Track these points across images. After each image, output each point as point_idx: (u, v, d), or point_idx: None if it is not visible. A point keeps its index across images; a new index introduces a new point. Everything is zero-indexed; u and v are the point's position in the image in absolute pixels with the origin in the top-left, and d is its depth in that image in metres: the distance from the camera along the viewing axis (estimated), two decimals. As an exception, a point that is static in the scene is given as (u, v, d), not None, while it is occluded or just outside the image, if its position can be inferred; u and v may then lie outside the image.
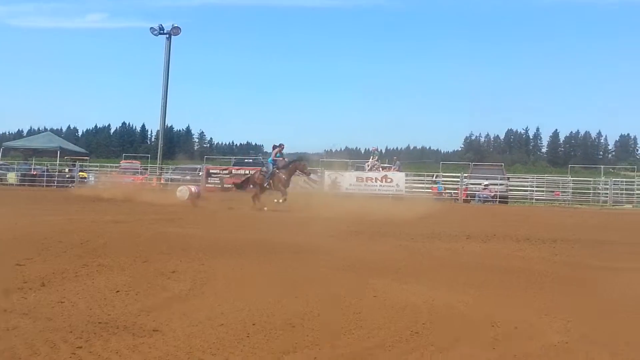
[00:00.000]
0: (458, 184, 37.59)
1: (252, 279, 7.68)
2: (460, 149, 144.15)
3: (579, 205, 36.28)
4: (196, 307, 6.04)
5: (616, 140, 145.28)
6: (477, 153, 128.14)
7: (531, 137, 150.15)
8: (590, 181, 40.00)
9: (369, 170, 37.56)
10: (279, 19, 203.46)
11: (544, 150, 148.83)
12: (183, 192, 27.67)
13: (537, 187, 38.85)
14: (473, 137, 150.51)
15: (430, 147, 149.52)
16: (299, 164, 24.06)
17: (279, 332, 5.22)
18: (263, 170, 24.20)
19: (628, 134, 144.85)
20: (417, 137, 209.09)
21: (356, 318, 5.77)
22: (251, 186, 24.22)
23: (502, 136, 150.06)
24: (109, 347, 4.65)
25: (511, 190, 38.32)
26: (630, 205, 36.35)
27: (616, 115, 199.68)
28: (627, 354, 4.85)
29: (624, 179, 44.96)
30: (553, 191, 39.43)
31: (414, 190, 37.68)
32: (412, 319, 5.80)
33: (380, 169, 38.34)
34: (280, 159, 24.05)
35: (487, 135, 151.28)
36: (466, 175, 38.41)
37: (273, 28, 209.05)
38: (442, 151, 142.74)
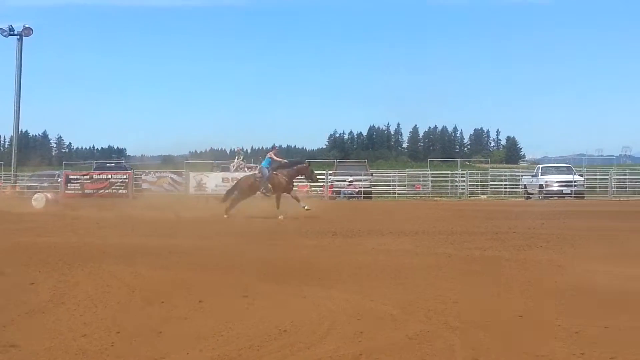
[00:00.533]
0: (324, 181, 38.11)
1: (116, 286, 7.47)
2: (325, 147, 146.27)
3: (438, 197, 37.74)
4: (57, 318, 5.81)
5: (471, 134, 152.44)
6: (341, 150, 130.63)
7: (392, 133, 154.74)
8: (448, 174, 41.73)
9: (234, 170, 37.35)
10: (136, 18, 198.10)
11: (404, 145, 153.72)
12: (39, 200, 26.56)
13: (399, 181, 40.09)
14: (337, 135, 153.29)
15: (295, 146, 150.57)
16: (303, 167, 21.54)
17: (145, 340, 5.12)
18: (257, 176, 21.40)
19: (481, 128, 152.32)
20: (282, 136, 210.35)
21: (224, 319, 5.75)
22: (235, 192, 21.27)
23: (364, 133, 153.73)
24: (-39, 366, 4.41)
25: (375, 185, 39.27)
26: (484, 196, 38.20)
27: (470, 110, 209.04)
28: (482, 339, 5.09)
29: (479, 171, 47.28)
30: (414, 185, 40.81)
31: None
32: (280, 317, 5.84)
33: (246, 169, 38.26)
34: (279, 159, 21.78)
35: (351, 132, 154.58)
36: (331, 172, 39.00)
37: (130, 28, 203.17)
38: (308, 149, 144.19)
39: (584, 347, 4.79)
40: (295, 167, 21.19)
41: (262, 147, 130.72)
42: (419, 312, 6.05)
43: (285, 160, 22.01)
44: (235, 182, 23.40)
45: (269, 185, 20.72)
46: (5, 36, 43.68)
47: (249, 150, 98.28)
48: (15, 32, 43.79)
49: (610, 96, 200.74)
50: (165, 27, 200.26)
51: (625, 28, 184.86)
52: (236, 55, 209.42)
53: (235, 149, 44.13)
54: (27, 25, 44.18)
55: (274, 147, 23.16)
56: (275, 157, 21.59)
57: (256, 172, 21.95)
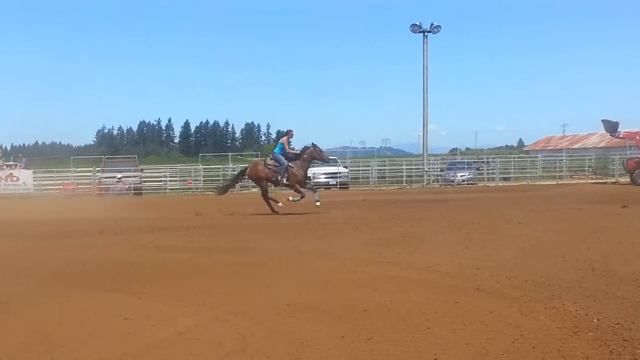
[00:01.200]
0: (91, 179, 36.64)
1: None
2: (93, 143, 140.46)
3: (210, 192, 37.77)
4: None
5: (242, 129, 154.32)
6: (110, 146, 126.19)
7: (164, 128, 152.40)
8: (219, 168, 41.92)
9: (-7, 169, 34.76)
10: None
11: (176, 140, 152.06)
12: None
13: (170, 177, 39.60)
14: (106, 130, 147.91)
15: (60, 143, 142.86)
16: (314, 151, 18.72)
17: None
18: (268, 163, 18.57)
19: (252, 122, 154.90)
20: (46, 133, 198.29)
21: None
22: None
23: (135, 128, 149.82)
24: None
25: (145, 181, 38.49)
26: (256, 189, 38.81)
27: (241, 105, 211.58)
28: (250, 330, 5.22)
29: (250, 165, 47.91)
30: (186, 180, 40.54)
31: (43, 188, 35.86)
32: (41, 322, 5.57)
33: (5, 167, 35.75)
34: (291, 150, 19.18)
35: (120, 127, 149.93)
36: (99, 169, 37.58)
37: None
38: (74, 146, 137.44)
39: (345, 330, 5.07)
40: (306, 155, 18.60)
41: (24, 145, 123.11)
42: (189, 307, 6.06)
43: (297, 151, 19.19)
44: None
45: (286, 175, 18.29)
46: None
47: (8, 148, 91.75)
48: None
49: (372, 92, 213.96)
50: None
51: (377, 38, 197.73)
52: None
53: (-7, 147, 41.04)
54: None
55: (289, 132, 19.60)
56: (287, 147, 19.07)
57: (267, 159, 19.04)
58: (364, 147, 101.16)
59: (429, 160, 41.69)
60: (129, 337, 5.04)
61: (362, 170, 40.97)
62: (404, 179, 40.00)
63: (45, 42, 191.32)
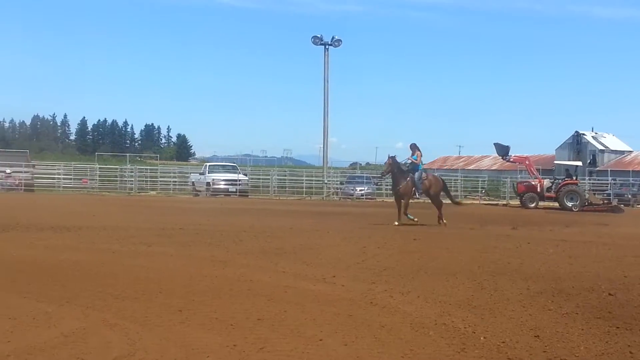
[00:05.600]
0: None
1: None
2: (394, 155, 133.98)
3: (107, 192, 36.86)
4: None
5: (142, 130, 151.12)
6: (1, 139, 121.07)
7: (59, 124, 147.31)
8: (117, 169, 41.00)
9: None
10: None
11: (72, 138, 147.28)
12: None
13: (65, 174, 38.36)
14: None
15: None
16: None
17: None
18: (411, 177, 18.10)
19: (152, 124, 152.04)
20: None
21: None
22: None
23: (28, 122, 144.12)
24: None
25: (38, 178, 37.15)
26: (154, 192, 38.19)
27: (141, 105, 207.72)
28: (140, 334, 5.10)
29: (149, 167, 47.13)
30: (81, 178, 39.40)
31: None
32: None
33: None
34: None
35: (12, 120, 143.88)
36: (-13, 162, 35.98)
37: None
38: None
39: (237, 339, 5.03)
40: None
41: None
42: (77, 309, 5.89)
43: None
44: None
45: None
46: None
47: None
48: None
49: (276, 102, 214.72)
50: None
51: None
52: None
53: None
54: None
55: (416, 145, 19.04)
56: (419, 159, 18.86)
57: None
58: (265, 156, 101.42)
59: (329, 172, 42.04)
60: (13, 337, 4.85)
61: (263, 178, 40.93)
62: (304, 190, 40.25)
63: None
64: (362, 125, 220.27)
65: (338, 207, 27.56)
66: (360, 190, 38.32)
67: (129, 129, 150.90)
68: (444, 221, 18.34)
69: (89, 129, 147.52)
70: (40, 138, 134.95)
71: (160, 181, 40.69)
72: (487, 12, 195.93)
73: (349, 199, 37.09)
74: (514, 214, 25.24)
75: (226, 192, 34.77)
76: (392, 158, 18.82)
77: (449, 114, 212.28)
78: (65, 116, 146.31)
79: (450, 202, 20.87)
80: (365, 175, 43.17)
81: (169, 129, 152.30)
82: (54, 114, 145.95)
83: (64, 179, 37.92)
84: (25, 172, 34.85)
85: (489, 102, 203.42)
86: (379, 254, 10.58)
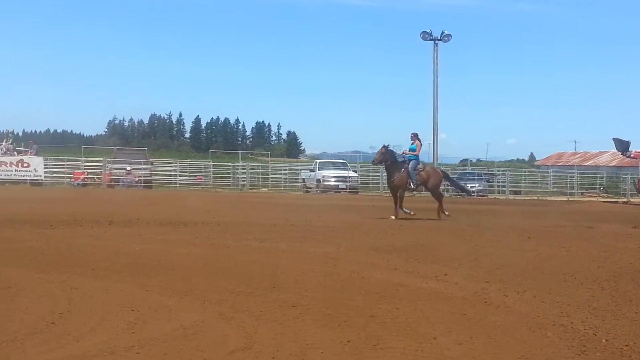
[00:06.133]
0: (101, 169, 36.73)
1: None
2: (104, 133, 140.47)
3: (220, 188, 37.81)
4: None
5: (253, 127, 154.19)
6: (121, 137, 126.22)
7: (174, 123, 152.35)
8: (229, 166, 41.96)
9: (3, 154, 34.83)
10: None
11: (187, 135, 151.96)
12: None
13: (180, 171, 39.63)
14: (117, 121, 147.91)
15: (72, 131, 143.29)
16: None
17: None
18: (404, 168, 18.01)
19: (263, 121, 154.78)
20: (58, 120, 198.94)
21: (-15, 313, 5.38)
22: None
23: (146, 121, 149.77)
24: None
25: (155, 174, 38.53)
26: (265, 189, 38.92)
27: (252, 103, 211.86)
28: (256, 328, 5.20)
29: (260, 164, 48.07)
30: (196, 175, 40.57)
31: (54, 175, 35.99)
32: (49, 309, 5.58)
33: (15, 152, 35.85)
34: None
35: (131, 119, 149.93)
36: (109, 159, 37.65)
37: None
38: (85, 135, 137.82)
39: (350, 335, 5.04)
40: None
41: (35, 131, 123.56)
42: (195, 303, 6.06)
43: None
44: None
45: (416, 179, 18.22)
46: None
47: (19, 134, 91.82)
48: None
49: (385, 98, 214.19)
50: None
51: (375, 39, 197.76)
52: (9, 34, 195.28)
53: (5, 131, 41.08)
54: None
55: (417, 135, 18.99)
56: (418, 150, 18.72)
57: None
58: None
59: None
60: (136, 329, 5.04)
61: (372, 175, 40.88)
62: (414, 186, 39.93)
63: (60, 32, 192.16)
64: (472, 121, 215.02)
65: (449, 205, 27.16)
66: (472, 187, 37.69)
67: (240, 127, 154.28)
68: (447, 213, 18.12)
69: (203, 126, 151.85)
70: (157, 136, 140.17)
71: (272, 178, 41.40)
72: (603, 2, 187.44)
73: (460, 195, 36.56)
74: (635, 212, 24.11)
75: (336, 189, 35.02)
76: (386, 147, 18.35)
77: (564, 109, 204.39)
78: (180, 115, 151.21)
79: (463, 193, 20.36)
80: (476, 171, 42.38)
81: (279, 126, 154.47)
82: (170, 113, 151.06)
83: (180, 175, 39.20)
84: (144, 169, 36.25)
85: (607, 96, 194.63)
86: (492, 252, 10.38)
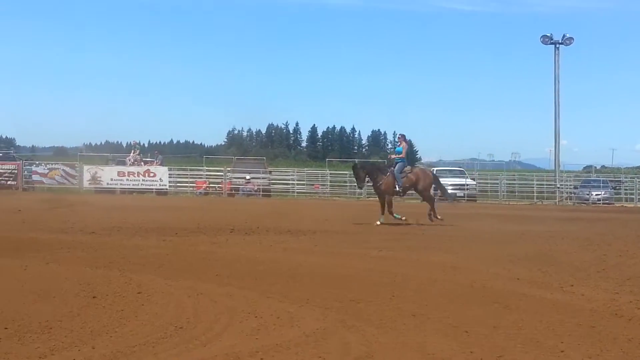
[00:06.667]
0: (222, 178, 37.80)
1: (5, 280, 7.18)
2: (223, 144, 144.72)
3: (337, 197, 38.09)
4: (-62, 314, 5.53)
5: (368, 135, 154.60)
6: (240, 147, 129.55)
7: (291, 132, 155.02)
8: (346, 174, 42.15)
9: (130, 164, 36.52)
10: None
11: (303, 144, 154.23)
12: None
13: (297, 180, 40.20)
14: (236, 132, 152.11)
15: (193, 142, 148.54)
16: None
17: (35, 335, 4.95)
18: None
19: (379, 130, 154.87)
20: (181, 131, 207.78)
21: (119, 316, 5.64)
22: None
23: (263, 131, 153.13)
24: None
25: (273, 183, 39.26)
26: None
27: (368, 112, 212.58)
28: (376, 337, 5.19)
29: (377, 172, 47.90)
30: (313, 184, 41.03)
31: (177, 185, 37.38)
32: (176, 314, 5.78)
33: (142, 163, 37.48)
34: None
35: (249, 129, 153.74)
36: (229, 169, 38.70)
37: (10, 8, 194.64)
38: (206, 145, 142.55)
39: (473, 346, 4.95)
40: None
41: (160, 142, 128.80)
42: (316, 310, 6.11)
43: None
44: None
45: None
46: None
47: (145, 145, 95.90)
48: None
49: (502, 104, 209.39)
50: (50, 12, 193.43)
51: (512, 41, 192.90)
52: (128, 49, 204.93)
53: (132, 143, 43.13)
54: None
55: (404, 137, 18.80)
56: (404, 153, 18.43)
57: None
58: (492, 160, 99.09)
59: (562, 176, 40.23)
60: (259, 335, 5.14)
61: (491, 183, 40.07)
62: (535, 194, 38.81)
63: (186, 46, 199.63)
64: (596, 127, 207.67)
65: (572, 213, 26.26)
66: (597, 194, 36.24)
67: (356, 135, 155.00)
68: (439, 217, 17.44)
69: (319, 135, 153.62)
70: (275, 145, 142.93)
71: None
72: None
73: (584, 204, 35.25)
74: None
75: (454, 197, 34.58)
76: (355, 167, 18.54)
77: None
78: (297, 124, 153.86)
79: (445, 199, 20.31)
80: (601, 178, 40.69)
81: (395, 134, 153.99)
82: (287, 122, 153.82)
83: (297, 184, 39.76)
84: (262, 178, 37.01)
85: None
86: (621, 263, 9.92)
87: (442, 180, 35.10)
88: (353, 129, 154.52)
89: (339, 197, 38.28)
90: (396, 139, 18.81)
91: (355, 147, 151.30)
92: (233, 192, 36.41)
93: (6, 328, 5.11)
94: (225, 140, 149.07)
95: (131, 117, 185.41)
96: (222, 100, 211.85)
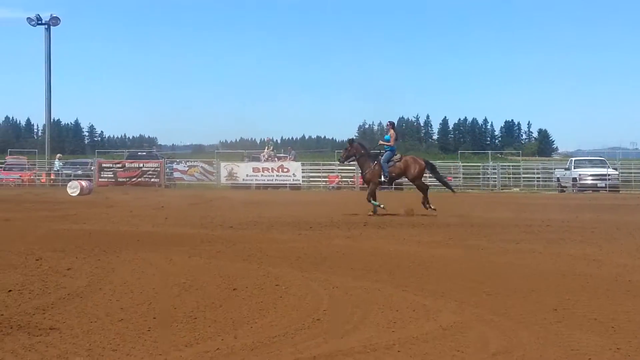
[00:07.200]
0: (354, 172, 38.05)
1: (151, 272, 7.55)
2: (354, 138, 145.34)
3: (470, 190, 37.48)
4: (94, 303, 5.90)
5: (501, 127, 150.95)
6: (371, 141, 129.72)
7: (422, 125, 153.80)
8: (479, 166, 41.42)
9: (264, 160, 37.49)
10: (164, 7, 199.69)
11: (435, 137, 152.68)
12: (74, 187, 26.90)
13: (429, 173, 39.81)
14: (367, 126, 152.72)
15: (325, 137, 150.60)
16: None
17: (181, 325, 5.17)
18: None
19: (512, 120, 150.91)
20: (312, 127, 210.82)
21: (258, 307, 5.80)
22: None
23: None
24: (3, 347, 4.49)
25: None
26: (517, 189, 37.87)
27: (500, 102, 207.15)
28: (516, 332, 5.07)
29: (511, 164, 46.84)
30: (445, 177, 40.55)
31: (310, 179, 38.01)
32: (313, 306, 5.87)
33: (276, 159, 38.37)
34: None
35: (380, 123, 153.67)
36: (362, 163, 38.83)
37: (153, 16, 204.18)
38: (337, 140, 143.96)
39: (620, 342, 4.74)
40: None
41: (292, 138, 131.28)
42: (451, 303, 6.04)
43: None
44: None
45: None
46: (33, 25, 44.57)
47: (278, 141, 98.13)
48: (43, 22, 44.62)
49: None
50: (188, 18, 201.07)
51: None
52: (264, 46, 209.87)
53: (265, 139, 44.22)
54: (54, 15, 44.90)
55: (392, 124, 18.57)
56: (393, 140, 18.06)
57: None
58: (636, 149, 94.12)
59: None
60: (395, 328, 5.14)
61: (635, 173, 38.10)
62: (684, 183, 36.59)
63: (314, 45, 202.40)
64: None
65: None
66: None
67: (488, 127, 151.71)
68: (432, 207, 17.11)
69: (450, 128, 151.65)
70: (405, 139, 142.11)
71: (523, 177, 40.19)
72: None
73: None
74: None
75: (594, 188, 33.21)
76: (351, 142, 17.99)
77: None
78: (427, 117, 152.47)
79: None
80: None
81: (529, 125, 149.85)
82: (417, 115, 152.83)
83: (430, 177, 39.36)
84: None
85: None
86: None
87: (582, 171, 34.07)
88: (485, 120, 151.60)
89: (472, 189, 37.65)
90: (385, 127, 18.50)
91: (488, 139, 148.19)
92: (365, 185, 36.53)
93: (154, 318, 5.38)
94: (357, 134, 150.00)
95: (262, 115, 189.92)
96: (353, 94, 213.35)
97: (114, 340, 4.71)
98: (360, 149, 18.00)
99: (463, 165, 41.28)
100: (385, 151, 17.77)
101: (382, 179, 17.56)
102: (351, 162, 19.28)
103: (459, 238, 11.46)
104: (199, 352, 4.49)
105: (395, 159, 17.75)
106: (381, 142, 18.34)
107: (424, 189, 17.91)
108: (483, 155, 56.34)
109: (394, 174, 17.83)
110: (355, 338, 4.86)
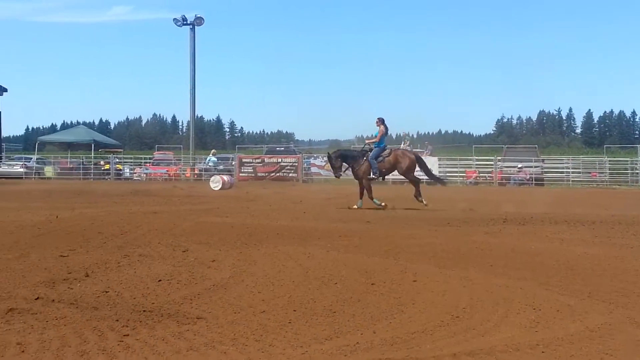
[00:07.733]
0: (492, 168, 37.31)
1: (291, 266, 7.71)
2: (492, 132, 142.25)
3: (617, 186, 35.76)
4: (237, 294, 6.10)
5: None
6: (509, 136, 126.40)
7: (564, 118, 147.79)
8: (627, 161, 39.40)
9: (401, 155, 37.37)
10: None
11: (578, 131, 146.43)
12: (217, 182, 27.95)
13: (573, 168, 38.40)
14: (505, 120, 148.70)
15: (461, 131, 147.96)
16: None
17: (320, 318, 5.25)
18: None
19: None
20: (449, 121, 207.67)
21: (397, 303, 5.79)
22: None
23: (534, 118, 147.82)
24: (155, 334, 4.72)
25: (546, 172, 37.91)
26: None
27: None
28: (672, 334, 4.80)
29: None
30: (589, 172, 38.96)
31: (448, 174, 37.55)
32: (452, 303, 5.79)
33: (412, 153, 38.17)
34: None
35: (519, 117, 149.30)
36: (500, 158, 38.06)
37: (299, 11, 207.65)
38: (474, 134, 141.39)
39: None
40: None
41: (428, 132, 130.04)
42: (599, 304, 5.78)
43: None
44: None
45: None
46: (179, 26, 46.64)
47: (414, 135, 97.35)
48: (189, 22, 46.52)
49: None
50: (324, 10, 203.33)
51: None
52: (401, 40, 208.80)
53: (402, 134, 44.10)
54: (198, 15, 46.85)
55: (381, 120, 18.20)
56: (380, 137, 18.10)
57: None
58: None
59: None
60: (539, 328, 4.98)
61: None
62: None
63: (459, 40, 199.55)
64: None
65: None
66: None
67: (637, 120, 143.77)
68: (424, 202, 17.35)
69: (595, 121, 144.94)
70: (546, 133, 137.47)
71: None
72: None
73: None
74: None
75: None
76: (329, 156, 18.62)
77: None
78: (570, 110, 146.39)
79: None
80: None
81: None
82: (559, 109, 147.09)
83: (572, 172, 37.97)
84: (535, 167, 35.91)
85: None
86: None
87: None
88: (633, 113, 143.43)
89: (619, 185, 35.88)
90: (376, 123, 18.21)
91: (637, 132, 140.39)
92: (504, 181, 35.76)
93: (295, 310, 5.49)
94: (494, 128, 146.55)
95: (399, 110, 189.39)
96: (489, 88, 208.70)
97: (257, 331, 4.85)
98: (342, 154, 18.49)
99: (609, 160, 39.39)
100: (375, 147, 18.09)
101: (372, 175, 17.85)
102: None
103: (605, 236, 10.95)
104: (338, 345, 4.54)
105: (385, 154, 18.10)
106: (367, 140, 18.92)
107: (416, 183, 18.18)
108: (631, 150, 53.52)
109: (384, 169, 18.18)
110: (496, 337, 4.76)
